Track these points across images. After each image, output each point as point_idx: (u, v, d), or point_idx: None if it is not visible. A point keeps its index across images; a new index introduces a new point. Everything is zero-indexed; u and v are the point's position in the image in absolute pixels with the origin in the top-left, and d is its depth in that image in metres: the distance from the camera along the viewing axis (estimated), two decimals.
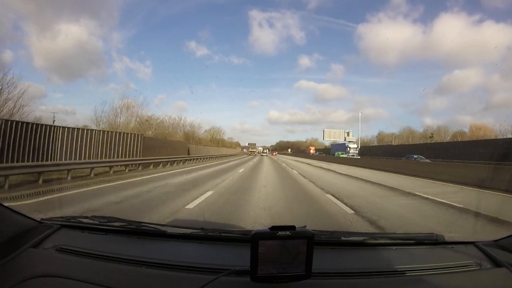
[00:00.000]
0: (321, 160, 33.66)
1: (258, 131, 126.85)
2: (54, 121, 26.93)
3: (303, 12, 78.44)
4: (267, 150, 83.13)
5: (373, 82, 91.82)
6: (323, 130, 57.71)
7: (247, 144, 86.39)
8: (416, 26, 75.86)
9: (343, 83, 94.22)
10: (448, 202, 6.19)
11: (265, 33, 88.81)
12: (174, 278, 0.98)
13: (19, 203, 5.26)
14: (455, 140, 41.83)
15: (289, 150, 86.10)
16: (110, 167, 12.29)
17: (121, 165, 13.52)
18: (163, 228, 1.33)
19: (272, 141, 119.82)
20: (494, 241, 1.33)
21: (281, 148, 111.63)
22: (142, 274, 1.00)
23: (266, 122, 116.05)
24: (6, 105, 18.30)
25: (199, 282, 0.89)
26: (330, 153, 55.83)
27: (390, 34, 70.14)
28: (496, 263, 1.14)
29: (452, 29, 66.85)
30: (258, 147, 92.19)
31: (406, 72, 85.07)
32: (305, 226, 0.93)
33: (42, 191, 6.46)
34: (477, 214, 5.22)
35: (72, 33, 48.01)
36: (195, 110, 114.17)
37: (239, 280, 0.92)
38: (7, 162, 8.96)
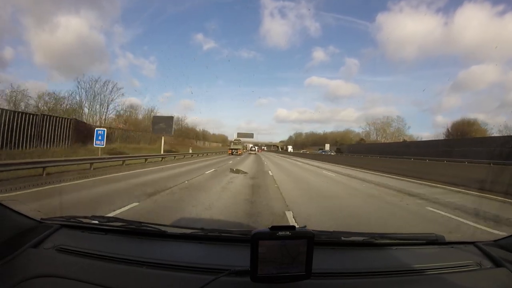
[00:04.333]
0: None
1: (265, 129, 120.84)
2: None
3: (317, 2, 75.46)
4: (255, 147, 65.18)
5: (385, 80, 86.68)
6: None
7: (232, 139, 58.60)
8: (437, 17, 72.08)
9: (354, 80, 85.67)
10: None
11: (276, 25, 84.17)
12: (174, 278, 0.98)
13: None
14: None
15: (327, 147, 46.17)
16: None
17: None
18: (163, 228, 1.33)
19: (278, 139, 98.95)
20: (494, 241, 1.34)
21: (297, 145, 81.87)
22: (142, 274, 1.00)
23: (274, 120, 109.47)
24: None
25: (199, 282, 0.89)
26: None
27: (408, 27, 65.31)
28: (496, 263, 1.15)
29: (472, 21, 60.04)
30: (246, 143, 67.98)
31: (421, 69, 78.69)
32: (305, 226, 0.93)
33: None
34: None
35: (73, 27, 47.94)
36: (200, 109, 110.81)
37: (239, 280, 0.92)
38: None
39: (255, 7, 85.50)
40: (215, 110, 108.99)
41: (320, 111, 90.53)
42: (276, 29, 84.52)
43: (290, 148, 79.56)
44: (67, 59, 46.18)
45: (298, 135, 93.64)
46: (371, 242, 1.30)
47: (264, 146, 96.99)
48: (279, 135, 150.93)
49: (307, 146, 78.38)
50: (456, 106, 66.39)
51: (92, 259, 1.09)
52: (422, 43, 68.72)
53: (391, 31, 69.73)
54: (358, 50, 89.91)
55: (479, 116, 57.64)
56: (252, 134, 76.07)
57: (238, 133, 71.38)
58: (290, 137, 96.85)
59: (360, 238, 1.31)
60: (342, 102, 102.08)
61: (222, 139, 75.64)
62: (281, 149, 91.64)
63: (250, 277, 0.85)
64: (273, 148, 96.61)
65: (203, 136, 62.24)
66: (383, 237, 1.32)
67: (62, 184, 7.27)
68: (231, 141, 57.34)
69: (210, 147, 56.83)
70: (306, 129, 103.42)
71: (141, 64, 72.84)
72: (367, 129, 60.76)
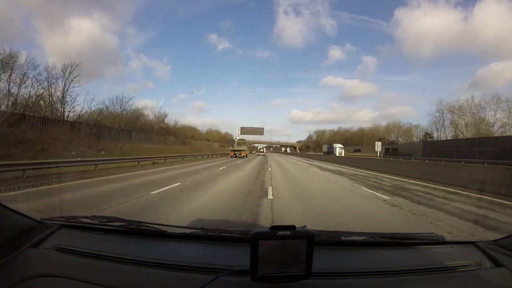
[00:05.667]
0: None
1: (280, 130, 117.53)
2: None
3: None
4: (264, 149, 57.06)
5: (402, 79, 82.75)
6: None
7: (235, 137, 42.75)
8: (456, 12, 68.54)
9: (370, 79, 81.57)
10: None
11: (290, 24, 79.92)
12: (174, 278, 0.98)
13: None
14: None
15: (378, 147, 32.82)
16: None
17: None
18: (163, 228, 1.33)
19: (293, 140, 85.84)
20: (494, 241, 1.33)
21: (321, 146, 64.49)
22: (142, 274, 1.00)
23: (289, 121, 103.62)
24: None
25: (199, 282, 0.89)
26: None
27: (426, 23, 60.54)
28: (496, 263, 1.14)
29: (493, 16, 54.47)
30: (256, 143, 56.03)
31: (438, 67, 73.95)
32: (305, 226, 0.93)
33: None
34: None
35: (86, 30, 46.19)
36: (213, 111, 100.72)
37: (239, 280, 0.92)
38: None
39: (268, 7, 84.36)
40: (228, 111, 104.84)
41: (335, 111, 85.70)
42: (290, 29, 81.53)
43: (338, 150, 48.85)
44: (83, 62, 42.32)
45: (320, 133, 77.08)
46: (371, 242, 1.30)
47: (284, 147, 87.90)
48: (294, 136, 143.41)
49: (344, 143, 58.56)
50: (473, 104, 63.25)
51: (92, 259, 1.09)
52: (440, 40, 64.62)
53: (409, 27, 66.17)
54: (374, 48, 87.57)
55: (496, 115, 45.52)
56: (262, 129, 54.63)
57: (241, 129, 51.12)
58: (310, 137, 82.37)
59: (360, 238, 1.31)
60: (357, 102, 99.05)
61: (219, 137, 59.24)
62: (299, 150, 77.33)
63: (250, 277, 0.85)
64: (289, 149, 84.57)
65: (166, 130, 41.29)
66: (383, 237, 1.32)
67: None
68: (229, 139, 46.79)
69: (185, 149, 34.91)
70: (320, 129, 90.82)
71: (154, 66, 72.50)
72: (439, 115, 42.25)
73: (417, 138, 49.37)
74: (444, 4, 69.49)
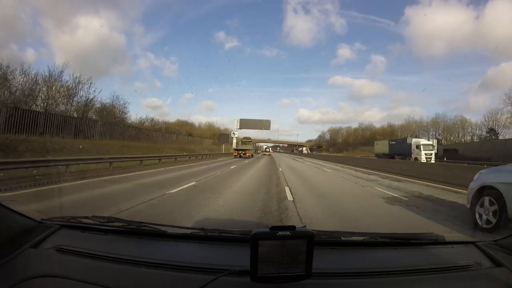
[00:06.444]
0: None
1: (287, 130, 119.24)
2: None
3: None
4: (269, 148, 54.36)
5: (411, 79, 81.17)
6: None
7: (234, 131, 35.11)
8: (467, 11, 68.52)
9: (379, 79, 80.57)
10: None
11: (299, 24, 79.95)
12: (174, 278, 0.98)
13: None
14: None
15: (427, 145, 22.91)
16: None
17: None
18: (163, 228, 1.33)
19: (301, 140, 79.32)
20: (494, 241, 1.33)
21: (338, 146, 56.02)
22: (142, 274, 1.00)
23: (296, 121, 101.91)
24: None
25: (199, 282, 0.89)
26: None
27: (436, 22, 59.71)
28: (496, 263, 1.14)
29: (505, 14, 53.43)
30: (261, 142, 50.93)
31: (448, 67, 75.25)
32: (305, 226, 0.93)
33: None
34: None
35: (94, 28, 45.01)
36: (220, 109, 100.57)
37: (239, 280, 0.92)
38: None
39: (277, 6, 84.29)
40: (234, 111, 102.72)
41: (343, 111, 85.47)
42: (298, 27, 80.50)
43: (425, 151, 26.49)
44: (90, 61, 41.64)
45: (335, 131, 66.27)
46: (371, 242, 1.30)
47: (299, 147, 78.86)
48: (302, 136, 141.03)
49: (357, 147, 50.17)
50: (484, 105, 60.10)
51: (92, 259, 1.09)
52: (450, 39, 63.38)
53: (419, 26, 65.54)
54: (383, 47, 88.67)
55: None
56: (268, 122, 41.64)
57: (241, 121, 38.66)
58: (321, 136, 72.07)
59: (360, 238, 1.31)
60: (366, 102, 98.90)
61: (212, 133, 46.63)
62: (310, 150, 69.25)
63: (250, 277, 0.85)
64: (305, 149, 74.34)
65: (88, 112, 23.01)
66: (383, 237, 1.32)
67: None
68: (221, 134, 38.53)
69: (119, 145, 19.95)
70: (335, 127, 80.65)
71: (161, 65, 73.10)
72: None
73: (464, 137, 41.95)
74: (455, 2, 70.20)
